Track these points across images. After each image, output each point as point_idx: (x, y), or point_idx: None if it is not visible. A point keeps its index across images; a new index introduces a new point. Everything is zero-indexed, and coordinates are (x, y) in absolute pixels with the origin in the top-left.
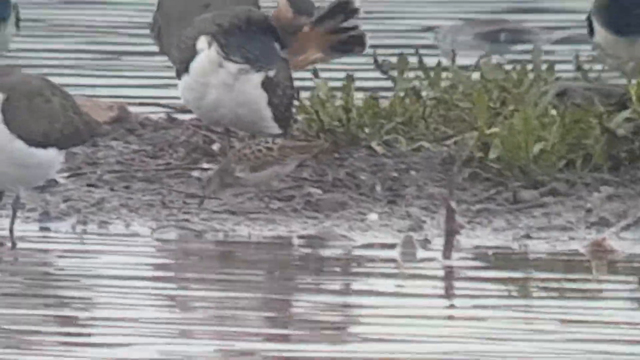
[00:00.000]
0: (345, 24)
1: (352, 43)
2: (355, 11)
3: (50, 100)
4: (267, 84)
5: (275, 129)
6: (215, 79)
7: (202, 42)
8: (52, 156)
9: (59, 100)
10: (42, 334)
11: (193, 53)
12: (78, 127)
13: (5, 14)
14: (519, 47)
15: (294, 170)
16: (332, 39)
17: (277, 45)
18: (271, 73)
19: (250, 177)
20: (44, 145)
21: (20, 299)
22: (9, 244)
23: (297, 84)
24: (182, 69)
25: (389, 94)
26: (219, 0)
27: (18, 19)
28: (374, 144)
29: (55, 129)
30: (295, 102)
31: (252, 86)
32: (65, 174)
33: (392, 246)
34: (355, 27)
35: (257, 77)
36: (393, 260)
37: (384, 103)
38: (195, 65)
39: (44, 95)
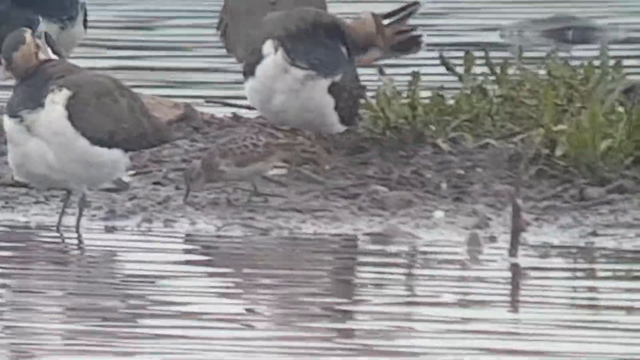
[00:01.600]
0: (405, 27)
1: (410, 43)
2: (415, 11)
3: (117, 101)
4: (333, 89)
5: (341, 129)
6: (281, 84)
7: (268, 46)
8: (117, 157)
9: (127, 101)
10: (107, 332)
11: (259, 56)
12: (145, 129)
13: (74, 13)
14: (586, 44)
15: (358, 168)
16: (395, 39)
17: (344, 48)
18: (337, 78)
19: (235, 171)
20: (108, 145)
21: (87, 297)
22: (76, 243)
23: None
24: (249, 71)
25: (455, 91)
26: None
27: (86, 19)
28: (439, 141)
29: (121, 129)
30: (362, 100)
31: (318, 92)
32: (131, 172)
33: (457, 244)
34: (414, 28)
35: (323, 83)
36: (459, 258)
37: (450, 100)
38: (261, 69)
39: (112, 95)
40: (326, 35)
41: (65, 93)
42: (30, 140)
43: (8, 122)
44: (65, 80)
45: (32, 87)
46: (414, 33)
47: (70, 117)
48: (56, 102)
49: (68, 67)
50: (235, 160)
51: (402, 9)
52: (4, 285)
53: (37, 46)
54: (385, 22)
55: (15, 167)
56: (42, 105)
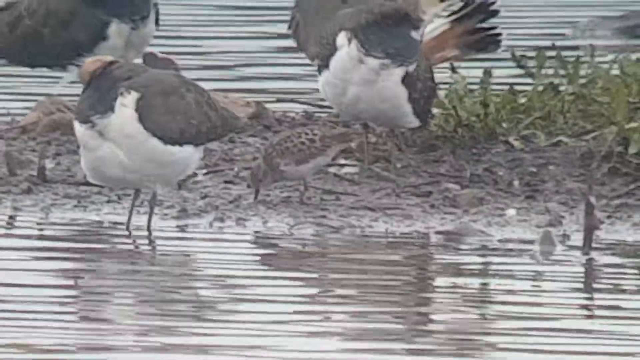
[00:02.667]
0: (483, 25)
1: (487, 42)
2: (494, 13)
3: (184, 97)
4: (407, 80)
5: (415, 123)
6: (356, 75)
7: (341, 38)
8: (189, 153)
9: (194, 96)
10: (180, 332)
11: (333, 49)
12: (214, 122)
13: (146, 12)
14: None
15: (430, 166)
16: (469, 38)
17: (417, 39)
18: (411, 68)
19: (295, 170)
20: (180, 142)
21: (158, 296)
22: (147, 242)
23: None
24: (323, 64)
25: (527, 88)
26: None
27: (158, 18)
28: (511, 139)
29: (191, 125)
30: (435, 94)
31: (393, 82)
32: (203, 171)
33: (530, 242)
34: (493, 28)
35: (398, 73)
36: (532, 256)
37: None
38: (336, 61)
39: (179, 92)
40: (398, 25)
41: (134, 95)
42: (103, 145)
43: (79, 128)
44: (133, 82)
45: (100, 91)
46: (491, 32)
47: (140, 119)
48: (126, 105)
49: (133, 68)
50: (294, 159)
51: (475, 7)
52: (76, 285)
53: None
54: (454, 18)
55: (89, 171)
56: (112, 109)
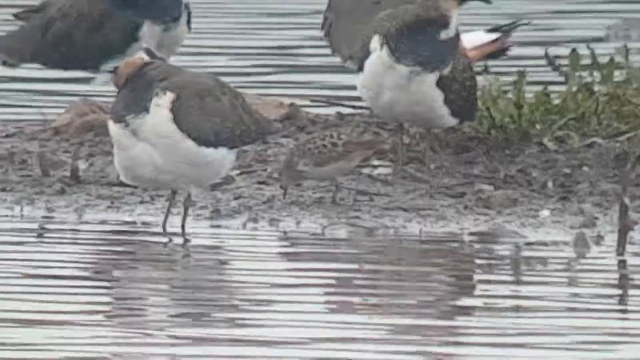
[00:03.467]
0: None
1: (502, 51)
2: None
3: (219, 99)
4: (442, 82)
5: (453, 122)
6: (389, 80)
7: (374, 42)
8: (223, 155)
9: (229, 99)
10: (215, 333)
11: (367, 52)
12: (248, 125)
13: (178, 13)
14: None
15: (464, 167)
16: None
17: (449, 35)
18: (446, 71)
19: (315, 171)
20: (214, 144)
21: (193, 296)
22: (181, 242)
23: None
24: (358, 66)
25: (561, 89)
26: None
27: (190, 19)
28: (545, 140)
29: (225, 128)
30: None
31: (427, 86)
32: (236, 172)
33: (564, 243)
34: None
35: (431, 77)
36: (566, 257)
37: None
38: (369, 65)
39: (214, 94)
40: (434, 29)
41: (169, 96)
42: (136, 145)
43: (113, 127)
44: (168, 83)
45: (136, 91)
46: (508, 45)
47: (175, 120)
48: (161, 106)
49: (169, 69)
50: (313, 160)
51: (510, 25)
52: (110, 285)
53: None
54: (493, 36)
55: (123, 171)
56: (146, 109)
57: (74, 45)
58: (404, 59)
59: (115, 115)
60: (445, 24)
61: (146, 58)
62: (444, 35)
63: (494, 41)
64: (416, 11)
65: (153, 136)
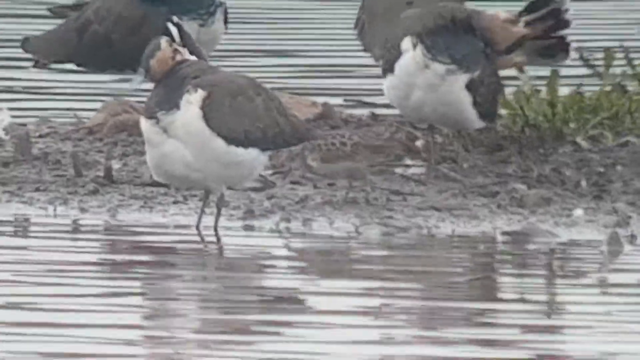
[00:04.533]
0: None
1: (557, 49)
2: (567, 24)
3: (253, 100)
4: (471, 85)
5: (480, 124)
6: (421, 79)
7: (406, 43)
8: (254, 156)
9: (263, 99)
10: (249, 335)
11: (398, 53)
12: (283, 128)
13: (212, 9)
14: None
15: (497, 166)
16: (539, 43)
17: (481, 44)
18: (476, 74)
19: (320, 167)
20: (244, 144)
21: (226, 296)
22: (214, 242)
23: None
24: (388, 68)
25: (595, 88)
26: None
27: (226, 17)
28: (579, 139)
29: (257, 128)
30: (500, 97)
31: (457, 87)
32: (269, 172)
33: (598, 242)
34: (563, 37)
35: (462, 78)
36: (599, 257)
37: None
38: (400, 65)
39: (247, 94)
40: (464, 31)
41: (200, 93)
42: (167, 141)
43: (145, 124)
44: (200, 81)
45: (168, 88)
46: (559, 35)
47: (205, 118)
48: (191, 103)
49: (203, 67)
50: (320, 157)
51: (546, 13)
52: (143, 286)
53: (175, 50)
54: (522, 20)
55: (154, 168)
56: (177, 106)
57: (112, 48)
58: (440, 56)
59: (147, 112)
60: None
61: (181, 56)
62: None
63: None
64: (451, 13)
65: (183, 133)
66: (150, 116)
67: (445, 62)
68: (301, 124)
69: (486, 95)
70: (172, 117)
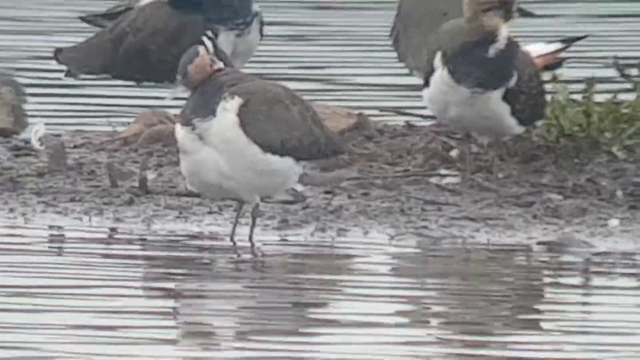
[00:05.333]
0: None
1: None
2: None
3: (289, 109)
4: (509, 95)
5: (520, 130)
6: (454, 98)
7: (437, 60)
8: (288, 166)
9: (299, 109)
10: (284, 347)
11: (432, 68)
12: (318, 139)
13: (248, 19)
14: None
15: (532, 176)
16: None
17: (499, 48)
18: (511, 84)
19: (319, 176)
20: (280, 152)
21: (263, 305)
22: (249, 253)
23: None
24: (425, 81)
25: (631, 98)
26: (457, 8)
27: (262, 28)
28: (614, 149)
29: (292, 137)
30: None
31: (492, 103)
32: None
33: (634, 253)
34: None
35: (496, 94)
36: (635, 267)
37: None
38: (433, 82)
39: (283, 103)
40: (484, 48)
41: (237, 101)
42: (202, 149)
43: (180, 131)
44: (237, 89)
45: (205, 95)
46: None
47: (241, 125)
48: (228, 110)
49: (240, 76)
50: (321, 166)
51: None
52: (177, 296)
53: (212, 59)
54: (552, 47)
55: (188, 176)
56: (213, 113)
57: (149, 59)
58: (463, 81)
59: (183, 119)
60: (493, 41)
61: (217, 65)
62: (492, 51)
63: (554, 52)
64: (464, 37)
65: (219, 140)
66: (186, 123)
67: (469, 86)
68: (336, 136)
69: (525, 102)
70: (208, 123)
